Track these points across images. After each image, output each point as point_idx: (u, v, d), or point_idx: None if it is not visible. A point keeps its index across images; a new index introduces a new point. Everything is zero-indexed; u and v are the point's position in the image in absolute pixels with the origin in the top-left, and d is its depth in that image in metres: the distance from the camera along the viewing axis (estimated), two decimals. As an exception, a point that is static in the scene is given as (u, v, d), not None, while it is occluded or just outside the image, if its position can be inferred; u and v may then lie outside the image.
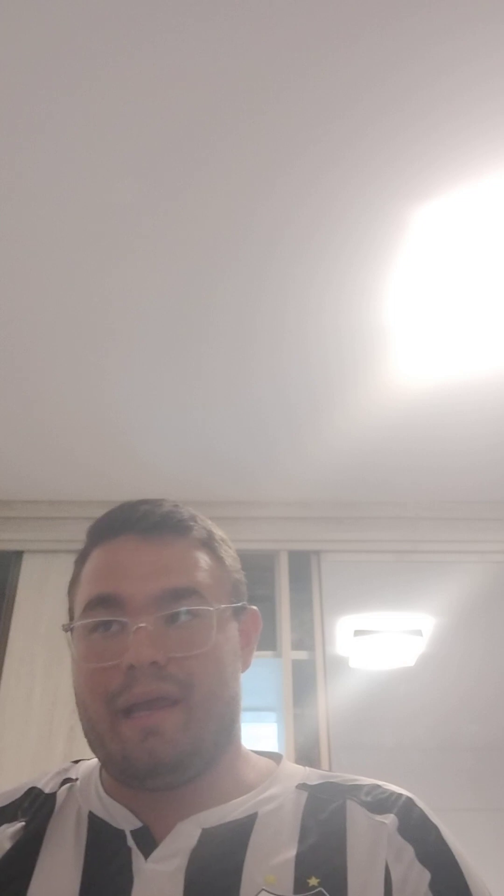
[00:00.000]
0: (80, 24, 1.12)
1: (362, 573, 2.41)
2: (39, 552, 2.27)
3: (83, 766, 0.79)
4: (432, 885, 0.65)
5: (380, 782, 0.74)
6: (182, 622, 0.69)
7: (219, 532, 0.78)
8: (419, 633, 2.83)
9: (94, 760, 0.78)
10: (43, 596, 2.21)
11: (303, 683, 2.14)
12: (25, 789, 0.76)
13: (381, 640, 2.84)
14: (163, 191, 1.38)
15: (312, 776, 0.76)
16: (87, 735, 0.71)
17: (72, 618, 0.76)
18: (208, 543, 0.75)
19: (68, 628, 0.74)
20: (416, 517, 2.33)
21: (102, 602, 0.70)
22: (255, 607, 0.78)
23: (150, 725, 0.66)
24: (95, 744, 0.70)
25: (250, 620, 0.78)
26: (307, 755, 2.01)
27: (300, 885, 0.63)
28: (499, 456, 2.13)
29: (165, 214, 1.42)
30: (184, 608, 0.69)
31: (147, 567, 0.71)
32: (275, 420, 1.98)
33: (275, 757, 0.79)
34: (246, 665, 0.76)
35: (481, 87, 1.21)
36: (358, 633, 2.83)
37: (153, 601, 0.69)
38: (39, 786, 0.76)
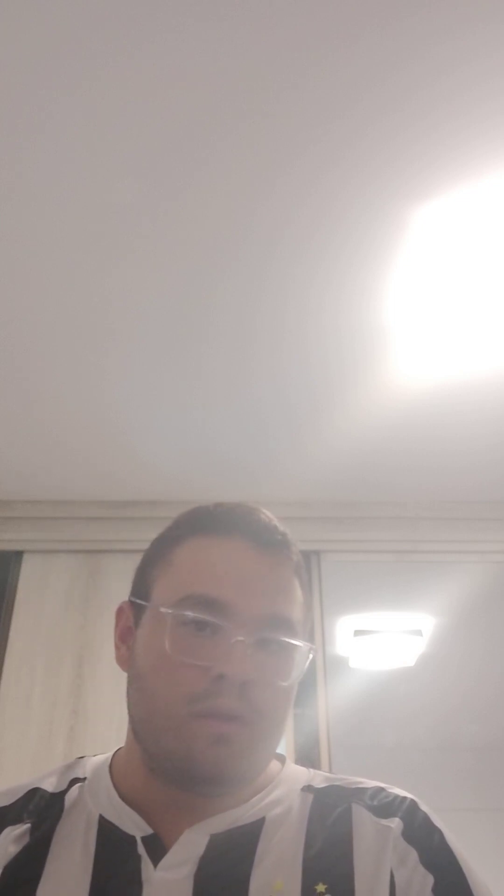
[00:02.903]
0: (80, 23, 1.12)
1: (362, 573, 2.41)
2: (39, 552, 2.27)
3: (90, 763, 0.77)
4: (436, 889, 0.65)
5: (383, 785, 0.74)
6: (273, 650, 0.68)
7: (303, 563, 0.76)
8: (419, 633, 2.83)
9: (103, 757, 0.77)
10: (43, 596, 2.21)
11: (302, 683, 2.14)
12: (27, 790, 0.74)
13: (381, 640, 2.84)
14: (163, 191, 1.38)
15: (317, 778, 0.76)
16: (140, 725, 0.69)
17: (145, 591, 0.73)
18: (301, 573, 0.74)
19: (159, 609, 0.70)
20: (416, 517, 2.33)
21: (209, 602, 0.68)
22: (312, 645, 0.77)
23: (223, 733, 0.65)
24: (151, 738, 0.68)
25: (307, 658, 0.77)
26: (307, 755, 2.01)
27: (307, 891, 0.64)
28: (499, 456, 2.13)
29: (165, 214, 1.42)
30: (283, 638, 0.68)
31: (263, 583, 0.69)
32: (275, 420, 1.98)
33: (279, 758, 0.78)
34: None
35: (481, 87, 1.21)
36: (358, 633, 2.83)
37: (259, 620, 0.68)
38: (43, 787, 0.74)
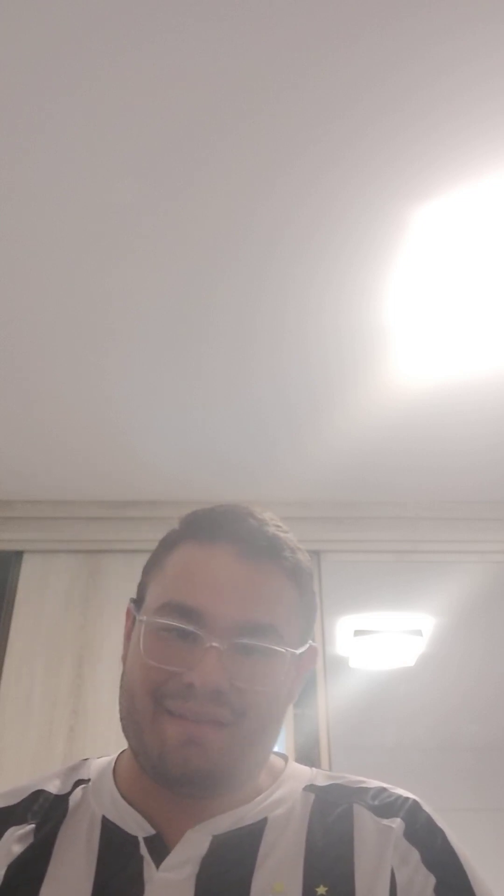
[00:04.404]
0: (81, 23, 1.12)
1: (362, 573, 2.41)
2: (39, 552, 2.27)
3: (94, 764, 0.78)
4: (438, 890, 0.65)
5: (386, 785, 0.74)
6: (253, 655, 0.68)
7: (308, 565, 0.76)
8: (419, 633, 2.83)
9: (107, 759, 0.78)
10: (43, 596, 2.21)
11: (303, 683, 2.14)
12: (30, 791, 0.74)
13: (381, 640, 2.84)
14: (163, 191, 1.38)
15: (319, 777, 0.76)
16: (125, 722, 0.71)
17: (142, 595, 0.75)
18: (297, 577, 0.73)
19: (138, 616, 0.72)
20: (416, 517, 2.33)
21: (185, 610, 0.68)
22: (315, 644, 0.77)
23: (193, 735, 0.65)
24: (132, 733, 0.69)
25: (308, 657, 0.76)
26: (307, 755, 2.01)
27: (308, 893, 0.64)
28: (499, 456, 2.13)
29: (165, 214, 1.42)
30: (261, 644, 0.68)
31: (238, 590, 0.69)
32: (275, 420, 1.98)
33: (281, 756, 0.79)
34: (293, 698, 0.75)
35: (481, 87, 1.21)
36: (358, 633, 2.83)
37: (234, 626, 0.68)
38: (47, 789, 0.75)
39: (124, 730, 0.71)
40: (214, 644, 0.66)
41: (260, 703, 0.68)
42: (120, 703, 0.72)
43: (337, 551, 2.30)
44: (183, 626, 0.67)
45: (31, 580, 2.23)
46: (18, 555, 2.28)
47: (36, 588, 2.22)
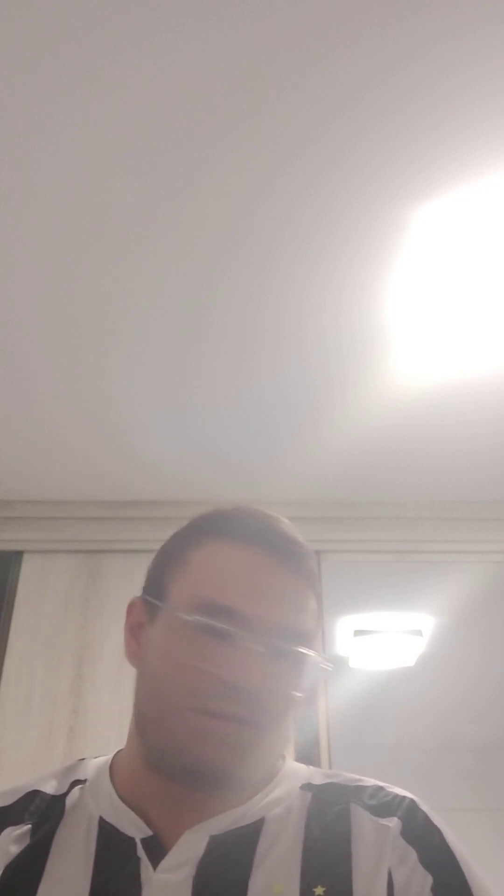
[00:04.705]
0: (81, 24, 1.12)
1: (362, 573, 2.41)
2: (39, 552, 2.27)
3: (91, 765, 0.77)
4: (435, 889, 0.65)
5: (383, 784, 0.74)
6: (287, 660, 0.69)
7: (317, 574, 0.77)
8: (419, 633, 2.83)
9: (103, 759, 0.77)
10: (43, 596, 2.21)
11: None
12: (26, 791, 0.74)
13: (381, 640, 2.84)
14: (163, 191, 1.38)
15: (316, 776, 0.76)
16: (142, 718, 0.70)
17: (160, 589, 0.74)
18: (316, 587, 0.75)
19: (171, 611, 0.70)
20: (416, 517, 2.33)
21: (225, 610, 0.68)
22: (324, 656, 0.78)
23: (231, 736, 0.65)
24: (152, 730, 0.69)
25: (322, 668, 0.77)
26: (307, 755, 2.01)
27: (306, 894, 0.64)
28: (499, 456, 2.12)
29: (165, 214, 1.42)
30: (296, 650, 0.69)
31: (279, 594, 0.70)
32: (275, 420, 1.98)
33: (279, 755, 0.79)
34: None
35: (481, 87, 1.21)
36: (358, 633, 2.83)
37: (274, 630, 0.68)
38: (43, 789, 0.74)
39: (139, 725, 0.70)
40: (254, 646, 0.66)
41: (286, 707, 0.69)
42: (144, 704, 0.71)
43: (337, 551, 2.30)
44: (225, 627, 0.67)
45: (31, 580, 2.23)
46: (18, 555, 2.28)
47: (36, 588, 2.22)
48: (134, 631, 0.75)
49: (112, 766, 0.75)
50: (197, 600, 0.69)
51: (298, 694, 0.69)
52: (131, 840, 0.68)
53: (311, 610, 0.72)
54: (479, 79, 1.19)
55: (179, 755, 0.66)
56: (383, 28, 1.12)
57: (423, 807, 0.72)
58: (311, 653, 0.70)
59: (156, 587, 0.75)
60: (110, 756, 0.78)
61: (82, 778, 0.75)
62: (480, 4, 1.10)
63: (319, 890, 0.64)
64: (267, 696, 0.66)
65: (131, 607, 0.77)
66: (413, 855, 0.67)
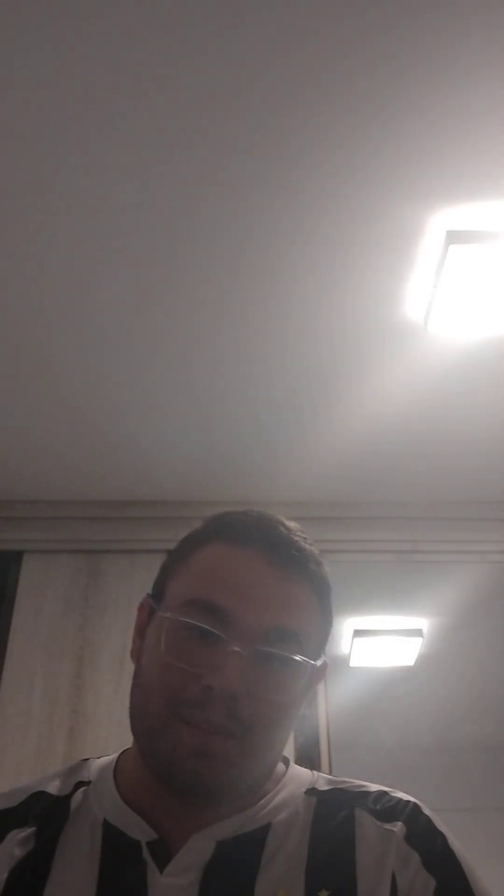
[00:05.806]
0: (81, 23, 1.12)
1: (362, 573, 2.41)
2: (39, 552, 2.27)
3: (95, 765, 0.76)
4: (438, 893, 0.65)
5: (386, 788, 0.74)
6: (273, 663, 0.67)
7: (328, 580, 0.75)
8: (419, 633, 2.83)
9: (107, 760, 0.77)
10: (43, 596, 2.20)
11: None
12: (30, 793, 0.73)
13: (381, 640, 2.85)
14: (163, 191, 1.38)
15: (321, 781, 0.75)
16: (136, 721, 0.70)
17: (161, 590, 0.73)
18: (320, 590, 0.73)
19: (160, 612, 0.70)
20: (416, 517, 2.33)
21: (210, 610, 0.67)
22: (327, 659, 0.76)
23: (205, 745, 0.64)
24: (143, 734, 0.68)
25: (320, 671, 0.75)
26: (307, 755, 2.01)
27: None
28: (499, 456, 2.12)
29: (166, 214, 1.42)
30: (284, 653, 0.67)
31: (268, 597, 0.68)
32: (275, 420, 1.98)
33: (283, 759, 0.78)
34: (301, 710, 0.74)
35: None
36: (358, 633, 2.83)
37: (259, 632, 0.67)
38: (47, 790, 0.73)
39: (134, 728, 0.70)
40: (237, 648, 0.65)
41: (272, 713, 0.67)
42: (131, 700, 0.71)
43: (337, 551, 2.29)
44: (207, 627, 0.66)
45: (31, 580, 2.23)
46: (18, 555, 2.27)
47: (36, 588, 2.22)
48: (139, 630, 0.75)
49: (116, 768, 0.75)
50: (185, 598, 0.69)
51: (282, 699, 0.67)
52: (137, 843, 0.67)
53: (307, 615, 0.71)
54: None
55: (161, 762, 0.66)
56: (399, 29, 1.12)
57: (427, 811, 0.72)
58: (299, 658, 0.68)
59: (157, 587, 0.75)
60: (115, 756, 0.77)
61: (86, 779, 0.75)
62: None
63: (324, 894, 0.64)
64: (247, 701, 0.65)
65: (140, 607, 0.76)
66: (416, 858, 0.67)
